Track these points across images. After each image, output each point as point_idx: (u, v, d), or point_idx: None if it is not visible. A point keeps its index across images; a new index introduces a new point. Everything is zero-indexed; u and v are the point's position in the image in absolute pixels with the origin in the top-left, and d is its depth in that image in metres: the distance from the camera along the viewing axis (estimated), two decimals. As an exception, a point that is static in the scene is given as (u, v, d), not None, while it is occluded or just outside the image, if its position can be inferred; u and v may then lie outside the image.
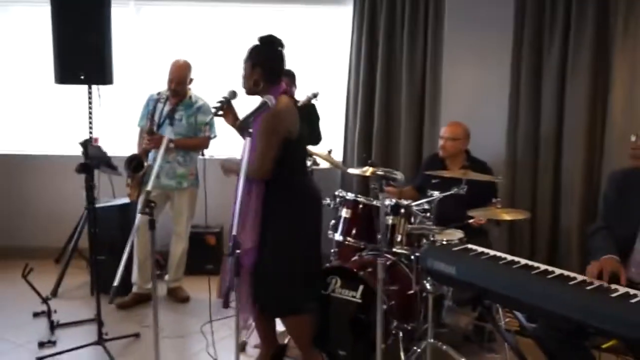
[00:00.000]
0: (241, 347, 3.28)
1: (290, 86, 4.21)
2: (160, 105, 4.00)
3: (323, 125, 4.53)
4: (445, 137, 3.77)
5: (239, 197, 2.28)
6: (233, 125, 2.92)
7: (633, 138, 2.46)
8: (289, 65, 4.24)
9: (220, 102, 2.76)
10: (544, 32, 4.05)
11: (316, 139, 4.49)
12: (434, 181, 3.58)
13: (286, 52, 2.90)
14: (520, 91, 4.17)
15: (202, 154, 3.54)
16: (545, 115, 4.06)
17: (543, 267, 2.35)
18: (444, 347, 3.00)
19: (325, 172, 4.38)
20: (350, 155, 4.86)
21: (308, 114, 4.27)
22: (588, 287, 2.12)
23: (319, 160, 4.07)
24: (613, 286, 2.14)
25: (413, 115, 4.67)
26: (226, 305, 2.26)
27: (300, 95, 4.24)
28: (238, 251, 2.23)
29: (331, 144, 4.70)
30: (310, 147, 4.38)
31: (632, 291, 2.10)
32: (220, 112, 2.78)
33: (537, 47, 4.09)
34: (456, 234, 3.23)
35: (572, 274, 2.27)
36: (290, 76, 4.22)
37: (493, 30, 4.32)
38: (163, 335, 3.45)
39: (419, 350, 3.00)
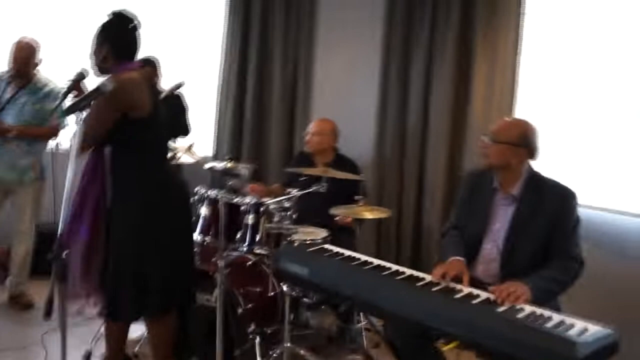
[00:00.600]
0: (86, 357, 3.00)
1: (154, 75, 3.94)
2: (1, 88, 3.57)
3: (192, 117, 4.30)
4: (312, 132, 3.72)
5: (69, 187, 2.05)
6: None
7: (484, 138, 2.50)
8: (156, 53, 4.00)
9: (69, 81, 2.49)
10: (413, 31, 4.08)
11: (184, 130, 4.25)
12: (300, 179, 3.51)
13: (144, 31, 2.63)
14: (388, 89, 4.18)
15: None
16: (411, 115, 4.10)
17: (394, 267, 2.32)
18: (302, 351, 2.90)
19: (192, 167, 4.15)
20: (221, 149, 4.67)
21: (173, 104, 4.04)
22: (432, 289, 2.11)
23: (182, 154, 3.84)
24: (457, 287, 2.14)
25: (285, 110, 4.59)
26: (48, 315, 2.03)
27: (166, 84, 3.99)
28: (64, 253, 2.00)
29: (201, 136, 4.48)
30: (176, 140, 4.16)
31: (475, 292, 2.12)
32: (70, 95, 2.50)
33: (406, 46, 4.11)
34: (320, 233, 3.16)
35: (421, 275, 2.26)
36: (153, 64, 3.94)
37: (364, 28, 4.32)
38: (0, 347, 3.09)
39: (276, 355, 2.88)
